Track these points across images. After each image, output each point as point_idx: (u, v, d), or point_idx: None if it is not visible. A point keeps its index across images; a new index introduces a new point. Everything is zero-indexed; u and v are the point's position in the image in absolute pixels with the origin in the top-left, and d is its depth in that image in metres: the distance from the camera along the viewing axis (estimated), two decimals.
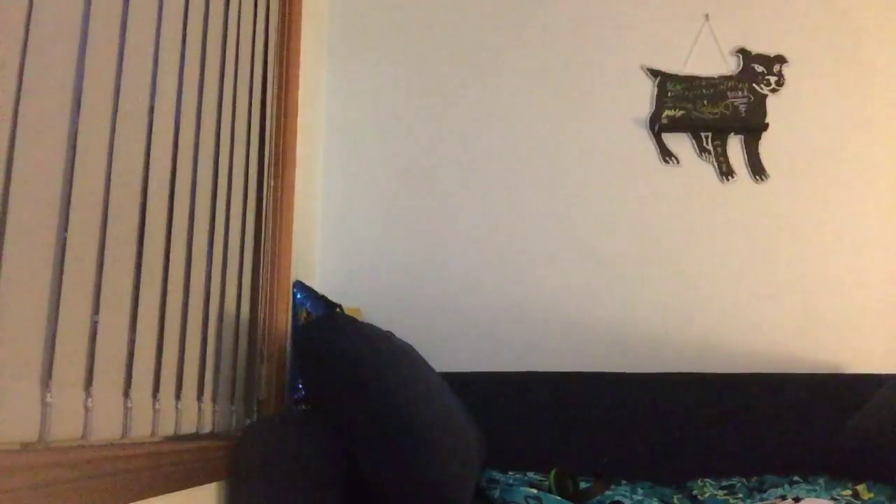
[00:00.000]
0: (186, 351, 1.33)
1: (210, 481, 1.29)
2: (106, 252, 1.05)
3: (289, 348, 1.86)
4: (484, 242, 2.31)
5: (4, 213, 0.83)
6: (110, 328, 1.06)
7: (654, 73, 2.38)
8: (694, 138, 2.35)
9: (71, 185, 0.96)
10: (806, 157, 2.34)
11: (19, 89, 0.86)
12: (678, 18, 2.42)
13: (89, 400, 0.98)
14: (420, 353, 2.20)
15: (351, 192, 2.36)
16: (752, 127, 2.34)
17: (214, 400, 1.45)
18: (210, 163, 1.46)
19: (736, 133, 2.35)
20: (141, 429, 1.13)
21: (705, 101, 2.36)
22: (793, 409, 1.98)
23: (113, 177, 1.07)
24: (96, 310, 1.02)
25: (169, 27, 1.27)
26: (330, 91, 2.42)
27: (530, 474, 1.77)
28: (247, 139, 1.68)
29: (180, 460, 1.17)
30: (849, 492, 1.57)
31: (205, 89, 1.43)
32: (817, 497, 1.52)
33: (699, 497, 1.67)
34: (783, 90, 2.37)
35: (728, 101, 2.36)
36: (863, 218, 2.30)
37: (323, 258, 2.32)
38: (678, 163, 2.34)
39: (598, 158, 2.35)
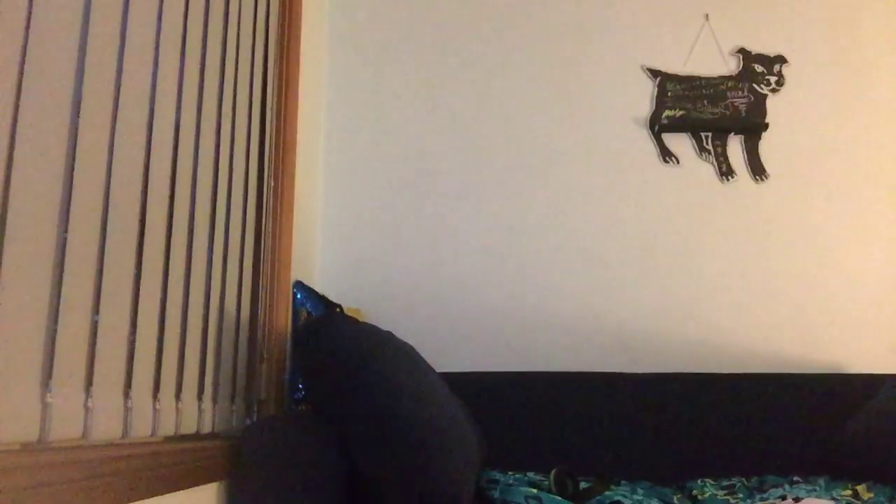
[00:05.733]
0: (186, 351, 1.33)
1: (210, 481, 1.29)
2: (106, 252, 1.05)
3: (289, 348, 1.86)
4: (484, 242, 2.31)
5: (4, 213, 0.83)
6: (110, 328, 1.06)
7: (654, 73, 2.38)
8: (694, 138, 2.35)
9: (71, 185, 0.96)
10: (806, 157, 2.34)
11: (19, 89, 0.86)
12: (678, 18, 2.42)
13: (89, 400, 0.98)
14: (420, 353, 2.20)
15: (351, 192, 2.36)
16: (752, 127, 2.34)
17: (214, 400, 1.45)
18: (210, 163, 1.45)
19: (736, 133, 2.35)
20: (141, 429, 1.13)
21: (705, 101, 2.36)
22: (793, 409, 1.99)
23: (113, 177, 1.07)
24: (96, 310, 1.02)
25: (169, 27, 1.27)
26: (330, 91, 2.42)
27: (530, 474, 1.77)
28: (247, 139, 1.68)
29: (180, 460, 1.17)
30: (849, 492, 1.57)
31: (205, 89, 1.43)
32: (817, 497, 1.52)
33: (699, 497, 1.67)
34: (783, 90, 2.37)
35: (728, 101, 2.36)
36: (863, 218, 2.30)
37: (323, 258, 2.32)
38: (678, 163, 2.34)
39: (598, 158, 2.35)
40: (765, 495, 1.62)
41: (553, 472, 1.56)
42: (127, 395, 1.10)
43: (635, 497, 1.60)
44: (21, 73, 0.86)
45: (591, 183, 2.34)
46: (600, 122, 2.37)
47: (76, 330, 0.96)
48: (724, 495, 1.66)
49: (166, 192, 1.26)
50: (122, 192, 1.10)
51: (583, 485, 1.61)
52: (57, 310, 0.92)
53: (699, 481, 1.79)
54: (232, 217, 1.57)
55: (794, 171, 2.33)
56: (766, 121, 2.34)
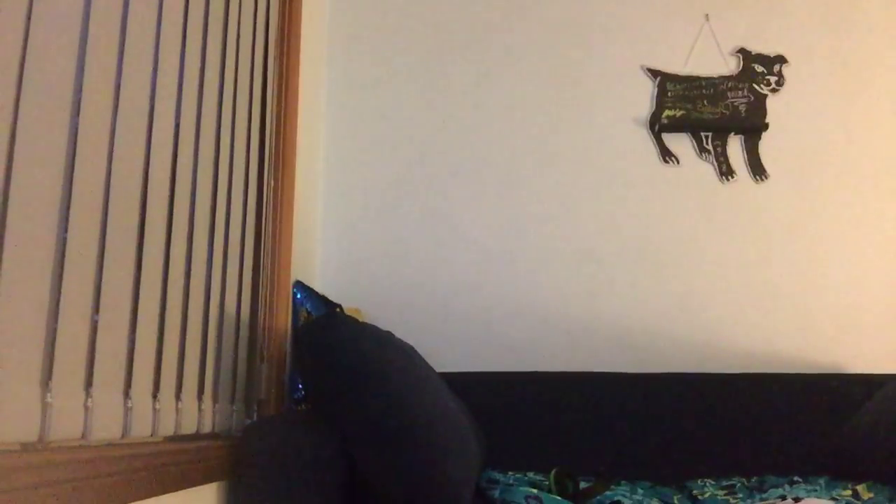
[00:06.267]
0: (186, 351, 1.33)
1: (210, 481, 1.29)
2: (106, 252, 1.05)
3: (289, 348, 1.86)
4: (484, 242, 2.31)
5: (4, 213, 0.83)
6: (110, 328, 1.06)
7: (654, 73, 2.38)
8: (694, 138, 2.35)
9: (71, 185, 0.96)
10: (806, 157, 2.34)
11: (19, 89, 0.85)
12: (678, 18, 2.42)
13: (89, 400, 0.98)
14: (420, 353, 2.20)
15: (351, 192, 2.36)
16: (752, 127, 2.34)
17: (214, 400, 1.45)
18: (210, 163, 1.45)
19: (736, 133, 2.35)
20: (141, 429, 1.13)
21: (705, 101, 2.36)
22: (793, 409, 1.98)
23: (113, 177, 1.07)
24: (96, 310, 1.02)
25: (169, 27, 1.27)
26: (330, 91, 2.42)
27: (530, 474, 1.77)
28: (247, 139, 1.68)
29: (180, 460, 1.17)
30: (849, 492, 1.57)
31: (205, 89, 1.43)
32: (817, 497, 1.52)
33: (699, 497, 1.67)
34: (783, 90, 2.37)
35: (728, 101, 2.36)
36: (863, 218, 2.30)
37: (323, 258, 2.32)
38: (678, 163, 2.34)
39: (598, 158, 2.35)
40: (765, 495, 1.62)
41: (553, 472, 1.56)
42: (127, 395, 1.10)
43: (635, 497, 1.60)
44: (21, 73, 0.86)
45: (592, 183, 2.34)
46: (600, 122, 2.37)
47: (76, 330, 0.96)
48: (724, 495, 1.66)
49: (166, 192, 1.26)
50: (122, 192, 1.10)
51: (583, 485, 1.61)
52: (57, 310, 0.92)
53: (699, 481, 1.79)
54: (232, 217, 1.57)
55: (794, 171, 2.33)
56: (766, 121, 2.34)
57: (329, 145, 2.39)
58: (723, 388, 2.02)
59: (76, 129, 0.97)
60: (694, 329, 2.25)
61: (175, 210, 1.28)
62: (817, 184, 2.32)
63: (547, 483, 1.58)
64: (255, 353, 1.71)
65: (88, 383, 0.99)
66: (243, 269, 1.64)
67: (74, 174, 0.96)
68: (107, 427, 1.03)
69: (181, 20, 1.32)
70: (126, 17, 1.12)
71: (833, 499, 1.51)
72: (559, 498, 1.42)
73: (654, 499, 1.61)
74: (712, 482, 1.78)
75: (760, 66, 2.37)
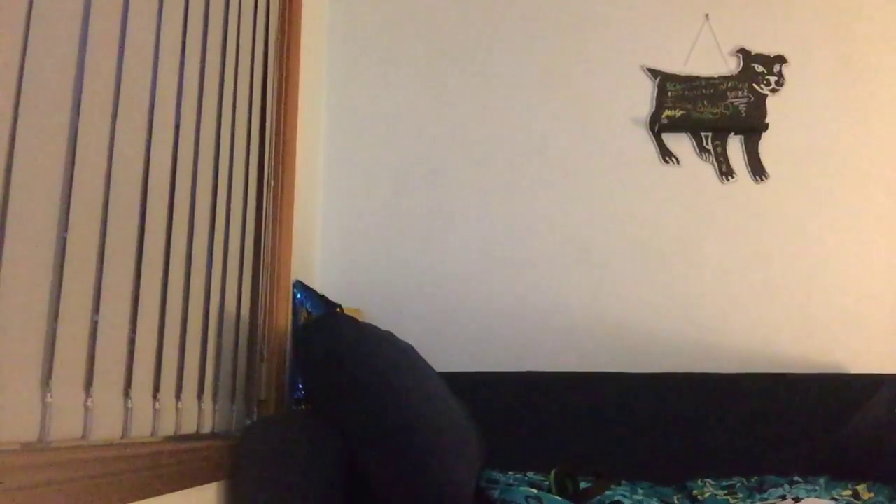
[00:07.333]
0: (186, 351, 1.33)
1: (210, 481, 1.29)
2: (106, 252, 1.05)
3: (289, 348, 1.86)
4: (484, 242, 2.31)
5: (4, 213, 0.83)
6: (110, 328, 1.06)
7: (654, 73, 2.38)
8: (694, 138, 2.35)
9: (71, 185, 0.96)
10: (806, 157, 2.34)
11: (19, 89, 0.86)
12: (678, 18, 2.42)
13: (89, 400, 0.98)
14: (420, 353, 2.20)
15: (351, 192, 2.36)
16: (752, 127, 2.34)
17: (214, 400, 1.45)
18: (210, 163, 1.45)
19: (736, 133, 2.35)
20: (141, 429, 1.13)
21: (705, 101, 2.36)
22: (793, 409, 1.98)
23: (113, 177, 1.07)
24: (96, 310, 1.02)
25: (169, 27, 1.27)
26: (330, 91, 2.42)
27: (530, 474, 1.77)
28: (247, 139, 1.68)
29: (180, 460, 1.17)
30: (849, 492, 1.57)
31: (205, 89, 1.43)
32: (817, 497, 1.52)
33: (699, 497, 1.67)
34: (783, 90, 2.37)
35: (728, 101, 2.36)
36: (863, 218, 2.30)
37: (323, 258, 2.32)
38: (678, 163, 2.34)
39: (597, 158, 2.35)
40: (765, 495, 1.63)
41: (553, 472, 1.56)
42: (127, 395, 1.10)
43: (635, 497, 1.60)
44: (21, 73, 0.86)
45: (591, 183, 2.34)
46: (600, 122, 2.37)
47: (76, 330, 0.96)
48: (724, 495, 1.66)
49: (166, 192, 1.26)
50: (122, 192, 1.10)
51: (583, 485, 1.61)
52: (57, 310, 0.92)
53: (699, 481, 1.79)
54: (232, 217, 1.57)
55: (794, 171, 2.33)
56: (766, 121, 2.34)
57: (329, 145, 2.39)
58: (723, 388, 2.02)
59: (76, 129, 0.97)
60: (694, 329, 2.25)
61: (175, 210, 1.28)
62: (817, 184, 2.32)
63: (547, 483, 1.58)
64: (255, 353, 1.71)
65: (88, 383, 0.99)
66: (243, 269, 1.64)
67: (74, 174, 0.96)
68: (107, 427, 1.03)
69: (181, 20, 1.32)
70: (126, 17, 1.12)
71: (833, 499, 1.51)
72: (559, 498, 1.42)
73: (654, 499, 1.61)
74: (712, 482, 1.78)
75: (760, 66, 2.37)
